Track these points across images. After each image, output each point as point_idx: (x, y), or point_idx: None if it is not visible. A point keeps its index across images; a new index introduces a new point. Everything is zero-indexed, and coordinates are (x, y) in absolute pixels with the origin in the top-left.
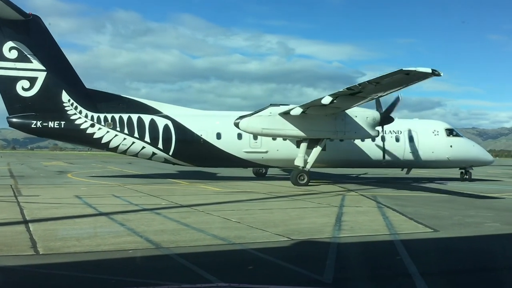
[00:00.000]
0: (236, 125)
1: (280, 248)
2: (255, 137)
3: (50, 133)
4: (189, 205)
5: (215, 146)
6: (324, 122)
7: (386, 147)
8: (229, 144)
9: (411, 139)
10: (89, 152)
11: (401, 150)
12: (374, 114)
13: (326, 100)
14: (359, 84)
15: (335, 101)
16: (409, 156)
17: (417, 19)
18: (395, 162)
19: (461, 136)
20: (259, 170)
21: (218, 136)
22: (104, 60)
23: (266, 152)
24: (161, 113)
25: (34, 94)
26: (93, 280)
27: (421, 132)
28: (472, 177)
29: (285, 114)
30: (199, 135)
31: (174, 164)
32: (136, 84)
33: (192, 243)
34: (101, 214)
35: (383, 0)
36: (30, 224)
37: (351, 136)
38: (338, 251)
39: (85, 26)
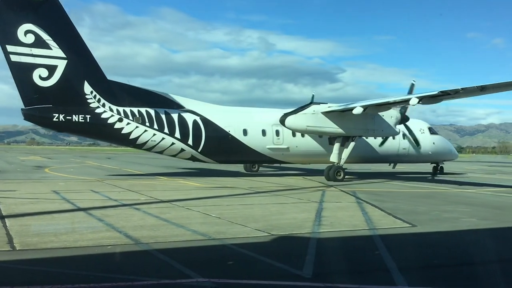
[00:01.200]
0: (282, 122)
1: (260, 243)
2: (277, 134)
3: (73, 128)
4: (169, 201)
5: (242, 142)
6: (360, 121)
7: (385, 144)
8: (255, 140)
9: (403, 136)
10: (67, 147)
11: (396, 146)
12: (397, 113)
13: (414, 101)
14: (462, 89)
15: (420, 102)
16: (402, 152)
17: (396, 17)
18: (392, 157)
19: (438, 134)
20: (252, 166)
21: (245, 132)
22: None
23: (287, 148)
24: (184, 107)
25: (53, 84)
26: (70, 276)
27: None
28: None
29: (327, 113)
30: (227, 131)
31: (196, 161)
32: (114, 78)
33: (172, 238)
34: (79, 209)
35: None
36: (6, 220)
37: (379, 134)
38: (318, 246)
39: None
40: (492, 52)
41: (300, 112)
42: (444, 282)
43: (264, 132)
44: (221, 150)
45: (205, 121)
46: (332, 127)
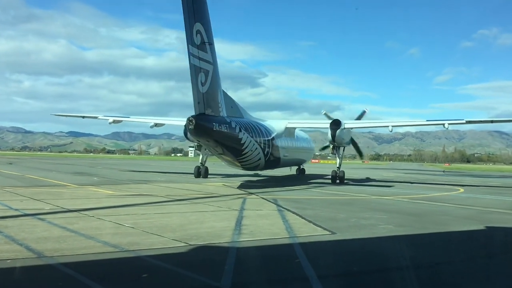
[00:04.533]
0: (334, 136)
1: (177, 254)
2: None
3: (220, 139)
4: (77, 210)
5: (279, 151)
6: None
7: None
8: (282, 148)
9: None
10: None
11: (308, 151)
12: None
13: (446, 126)
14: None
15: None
16: (304, 156)
17: (318, 23)
18: (304, 161)
19: None
20: (199, 170)
21: (279, 142)
22: None
23: (287, 156)
24: (243, 117)
25: (206, 91)
26: None
27: (304, 138)
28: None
29: (350, 128)
30: (275, 141)
31: (255, 170)
32: (17, 75)
33: (80, 251)
34: None
35: (285, 0)
36: None
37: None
38: (238, 256)
39: None
40: (409, 61)
41: (341, 128)
42: None
43: (281, 142)
44: (273, 159)
45: (268, 131)
46: (349, 140)
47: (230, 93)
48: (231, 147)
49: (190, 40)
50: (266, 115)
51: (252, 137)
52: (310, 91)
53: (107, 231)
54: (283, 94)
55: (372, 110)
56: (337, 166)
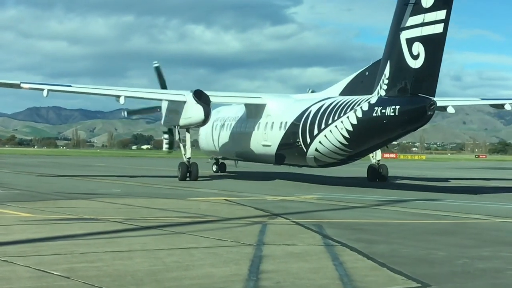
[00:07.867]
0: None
1: None
2: None
3: None
4: None
5: None
6: None
7: None
8: None
9: None
10: None
11: None
12: None
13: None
14: None
15: None
16: None
17: None
18: None
19: None
20: (188, 168)
21: None
22: None
23: None
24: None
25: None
26: None
27: None
28: None
29: None
30: None
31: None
32: None
33: None
34: None
35: None
36: None
37: None
38: None
39: None
40: None
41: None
42: None
43: None
44: None
45: None
46: None
47: (232, 35)
48: None
49: None
50: (295, 75)
51: None
52: (380, 31)
53: (22, 283)
54: (329, 36)
55: (494, 64)
56: (377, 159)
